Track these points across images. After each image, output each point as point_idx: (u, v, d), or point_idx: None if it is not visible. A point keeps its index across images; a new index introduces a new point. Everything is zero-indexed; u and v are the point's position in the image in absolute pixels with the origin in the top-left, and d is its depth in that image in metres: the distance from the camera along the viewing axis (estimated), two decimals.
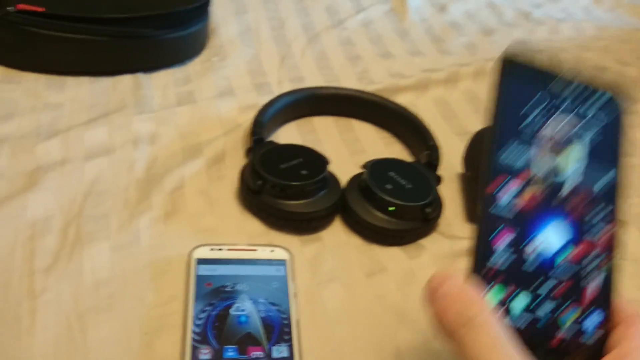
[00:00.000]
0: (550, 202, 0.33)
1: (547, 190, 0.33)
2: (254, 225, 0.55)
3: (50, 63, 0.67)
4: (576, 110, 0.35)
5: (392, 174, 0.56)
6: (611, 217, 0.33)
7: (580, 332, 0.31)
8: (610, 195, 0.34)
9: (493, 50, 0.84)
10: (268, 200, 0.54)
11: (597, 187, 0.34)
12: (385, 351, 0.46)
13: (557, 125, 0.34)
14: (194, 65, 0.73)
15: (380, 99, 0.67)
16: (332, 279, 0.51)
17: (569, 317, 0.31)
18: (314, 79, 0.74)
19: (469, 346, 0.28)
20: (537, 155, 0.33)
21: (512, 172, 0.33)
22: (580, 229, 0.33)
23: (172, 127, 0.63)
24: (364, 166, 0.57)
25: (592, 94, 0.35)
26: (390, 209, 0.53)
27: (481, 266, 0.31)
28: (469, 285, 0.30)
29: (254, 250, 0.51)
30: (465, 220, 0.58)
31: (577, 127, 0.34)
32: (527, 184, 0.33)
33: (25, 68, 0.67)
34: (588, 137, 0.34)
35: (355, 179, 0.57)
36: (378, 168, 0.56)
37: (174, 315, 0.46)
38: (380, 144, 0.66)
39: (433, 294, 0.30)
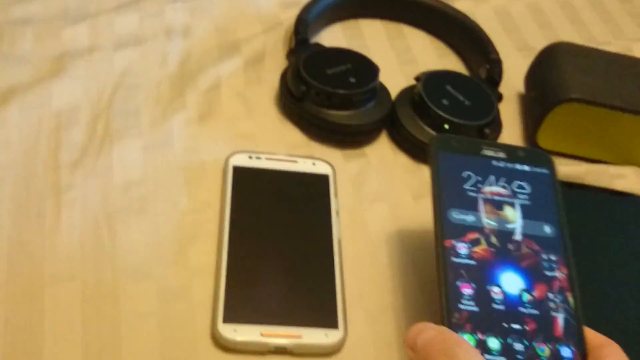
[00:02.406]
0: (504, 253, 0.35)
1: (499, 241, 0.35)
2: (294, 135, 0.50)
3: None
4: (511, 169, 0.38)
5: (448, 87, 0.51)
6: (561, 263, 0.35)
7: None
8: (554, 244, 0.36)
9: None
10: (311, 109, 0.49)
11: (542, 237, 0.36)
12: (427, 278, 0.43)
13: (496, 184, 0.37)
14: None
15: (437, 3, 0.61)
16: (377, 199, 0.47)
17: (545, 351, 0.33)
18: None
19: None
20: (482, 210, 0.36)
21: (464, 227, 0.35)
22: (535, 275, 0.35)
23: (208, 20, 0.58)
24: (418, 78, 0.52)
25: (523, 154, 0.39)
26: (446, 126, 0.48)
27: (452, 314, 0.33)
28: (443, 330, 0.32)
29: (295, 161, 0.47)
30: (525, 143, 0.54)
31: (515, 184, 0.37)
32: (480, 237, 0.35)
33: None
34: (527, 191, 0.37)
35: (407, 91, 0.52)
36: (433, 81, 0.51)
37: (209, 224, 0.43)
38: (433, 55, 0.60)
39: (414, 344, 0.32)
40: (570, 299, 0.34)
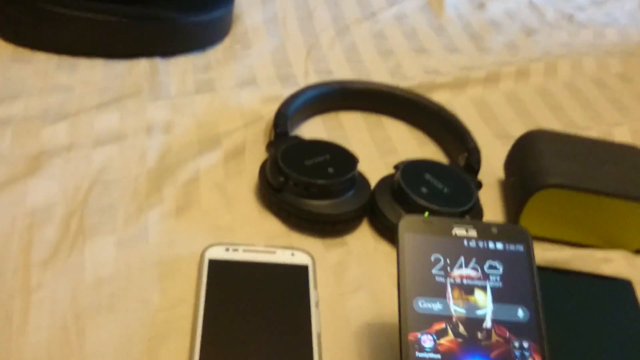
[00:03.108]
0: (472, 342, 0.33)
1: (467, 331, 0.34)
2: (273, 226, 0.50)
3: (63, 43, 0.63)
4: (483, 249, 0.36)
5: (427, 176, 0.51)
6: (534, 349, 0.34)
7: None
8: (527, 329, 0.34)
9: (536, 51, 0.79)
10: (290, 199, 0.49)
11: (514, 322, 0.34)
12: None
13: (466, 267, 0.35)
14: (215, 52, 0.68)
15: (415, 96, 0.62)
16: (358, 289, 0.46)
17: None
18: (342, 72, 0.69)
19: None
20: (451, 298, 0.34)
21: (430, 317, 0.34)
22: None
23: (189, 116, 0.58)
24: (397, 166, 0.52)
25: (496, 231, 0.37)
26: (425, 214, 0.48)
27: None
28: None
29: (273, 252, 0.46)
30: None
31: (487, 264, 0.36)
32: (447, 327, 0.34)
33: (37, 47, 0.63)
34: (499, 272, 0.35)
35: (386, 180, 0.52)
36: (412, 169, 0.51)
37: (182, 320, 0.41)
38: (413, 144, 0.61)
39: None
40: None
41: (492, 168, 0.58)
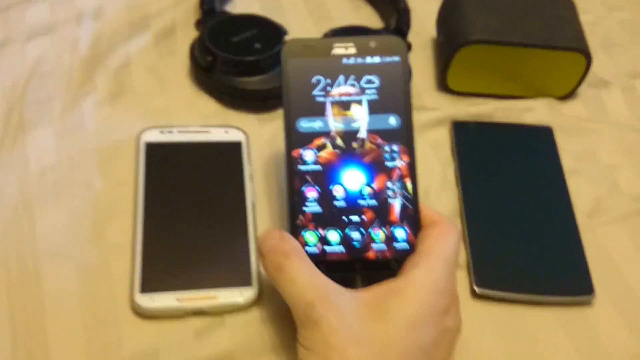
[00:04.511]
0: (348, 153, 0.37)
1: (344, 142, 0.37)
2: (208, 105, 0.52)
3: None
4: (361, 65, 0.38)
5: None
6: (402, 151, 0.37)
7: (391, 245, 0.37)
8: (398, 134, 0.37)
9: None
10: (220, 78, 0.50)
11: (386, 130, 0.38)
12: None
13: (345, 84, 0.38)
14: None
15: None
16: None
17: (380, 236, 0.37)
18: None
19: (281, 284, 0.34)
20: (330, 114, 0.37)
21: (312, 135, 0.37)
22: (376, 168, 0.37)
23: None
24: (326, 35, 0.53)
25: (374, 45, 0.38)
26: None
27: (296, 217, 0.37)
28: (284, 237, 0.35)
29: (207, 132, 0.48)
30: (437, 90, 0.55)
31: (364, 79, 0.38)
32: (326, 141, 0.37)
33: None
34: (375, 85, 0.38)
35: None
36: (339, 36, 0.51)
37: (124, 201, 0.45)
38: (348, 8, 0.61)
39: (260, 252, 0.36)
40: (409, 185, 0.37)
41: (427, 27, 0.59)
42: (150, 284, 0.41)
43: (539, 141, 0.51)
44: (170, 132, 0.48)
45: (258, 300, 0.41)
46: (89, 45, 0.54)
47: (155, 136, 0.47)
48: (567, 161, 0.50)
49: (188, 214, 0.44)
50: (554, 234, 0.45)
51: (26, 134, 0.48)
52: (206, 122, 0.50)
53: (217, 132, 0.48)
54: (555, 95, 0.54)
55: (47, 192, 0.45)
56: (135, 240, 0.42)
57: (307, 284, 0.33)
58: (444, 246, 0.35)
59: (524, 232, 0.45)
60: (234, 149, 0.48)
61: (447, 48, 0.52)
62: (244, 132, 0.49)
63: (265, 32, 0.52)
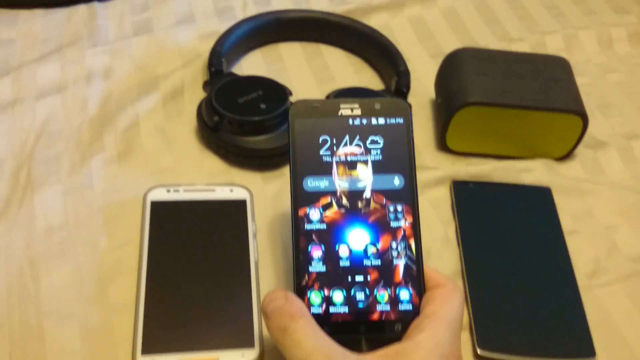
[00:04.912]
0: (353, 212, 0.38)
1: (350, 202, 0.38)
2: (214, 163, 0.53)
3: None
4: (366, 126, 0.39)
5: None
6: (407, 211, 0.38)
7: (395, 307, 0.37)
8: (402, 194, 0.38)
9: None
10: (226, 137, 0.51)
11: (390, 190, 0.38)
12: None
13: (351, 145, 0.39)
14: None
15: (350, 21, 0.63)
16: None
17: (384, 297, 0.37)
18: (281, 1, 0.69)
19: (286, 347, 0.34)
20: (336, 174, 0.38)
21: (318, 194, 0.38)
22: (381, 228, 0.38)
23: (128, 60, 0.60)
24: (328, 96, 0.54)
25: (379, 107, 0.39)
26: None
27: (302, 277, 0.37)
28: (289, 299, 0.35)
29: (213, 190, 0.49)
30: (436, 149, 0.56)
31: (369, 140, 0.39)
32: (331, 200, 0.38)
33: None
34: (379, 146, 0.39)
35: None
36: (343, 97, 0.53)
37: (129, 260, 0.45)
38: (350, 71, 0.63)
39: (264, 314, 0.36)
40: (413, 245, 0.38)
41: (427, 89, 0.61)
42: (151, 345, 0.41)
43: (538, 201, 0.52)
44: (176, 190, 0.49)
45: None
46: (99, 104, 0.55)
47: (161, 195, 0.48)
48: (566, 221, 0.51)
49: (191, 273, 0.45)
50: (555, 295, 0.46)
51: (34, 192, 0.49)
52: (212, 180, 0.51)
53: (222, 191, 0.49)
54: (552, 156, 0.55)
55: (52, 251, 0.45)
56: (138, 299, 0.43)
57: (313, 347, 0.33)
58: (448, 309, 0.35)
59: (525, 293, 0.46)
60: (238, 207, 0.49)
61: (445, 109, 0.53)
62: (249, 191, 0.50)
63: (271, 93, 0.53)
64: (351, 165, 0.38)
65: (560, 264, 0.47)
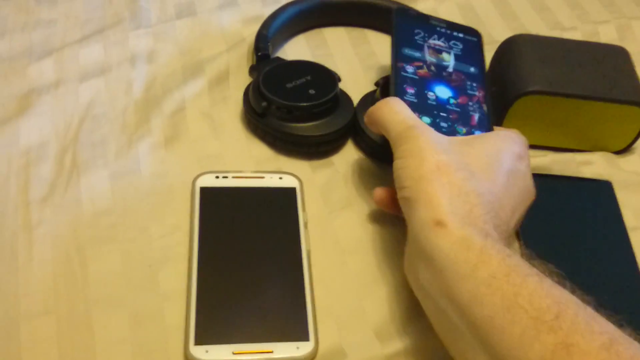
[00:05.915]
0: (439, 76, 0.47)
1: (436, 70, 0.47)
2: (261, 150, 0.51)
3: None
4: (450, 34, 0.50)
5: None
6: (480, 87, 0.47)
7: None
8: (476, 78, 0.48)
9: None
10: (274, 123, 0.50)
11: (468, 72, 0.48)
12: (399, 282, 0.44)
13: (438, 40, 0.49)
14: None
15: (395, 5, 0.61)
16: (345, 207, 0.48)
17: (462, 131, 0.44)
18: None
19: (385, 113, 0.41)
20: (426, 52, 0.48)
21: (412, 58, 0.47)
22: (460, 90, 0.46)
23: (172, 43, 0.58)
24: (377, 83, 0.52)
25: (460, 27, 0.51)
26: None
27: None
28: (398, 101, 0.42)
29: (262, 177, 0.48)
30: None
31: (451, 42, 0.50)
32: (423, 65, 0.47)
33: None
34: (459, 47, 0.49)
35: (368, 97, 0.52)
36: None
37: (179, 247, 0.44)
38: None
39: (368, 117, 0.43)
40: (485, 108, 0.46)
41: None
42: (205, 336, 0.39)
43: (600, 195, 0.50)
44: (225, 177, 0.47)
45: (315, 356, 0.40)
46: (143, 88, 0.54)
47: (210, 181, 0.47)
48: (628, 217, 0.48)
49: (243, 262, 0.43)
50: (619, 292, 0.44)
51: (80, 176, 0.47)
52: (259, 167, 0.50)
53: (271, 178, 0.48)
54: (611, 148, 0.53)
55: (100, 236, 0.44)
56: (190, 288, 0.41)
57: (410, 115, 0.41)
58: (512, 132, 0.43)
59: (590, 288, 0.44)
60: (288, 195, 0.47)
61: (502, 98, 0.51)
62: (299, 179, 0.48)
63: (319, 79, 0.51)
64: (438, 51, 0.48)
65: (624, 260, 0.45)
